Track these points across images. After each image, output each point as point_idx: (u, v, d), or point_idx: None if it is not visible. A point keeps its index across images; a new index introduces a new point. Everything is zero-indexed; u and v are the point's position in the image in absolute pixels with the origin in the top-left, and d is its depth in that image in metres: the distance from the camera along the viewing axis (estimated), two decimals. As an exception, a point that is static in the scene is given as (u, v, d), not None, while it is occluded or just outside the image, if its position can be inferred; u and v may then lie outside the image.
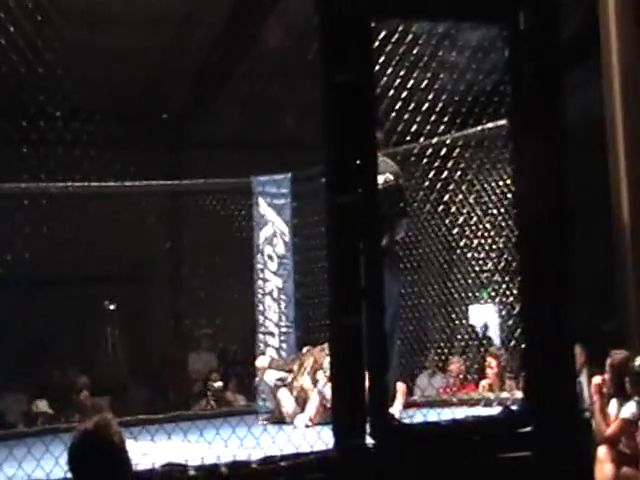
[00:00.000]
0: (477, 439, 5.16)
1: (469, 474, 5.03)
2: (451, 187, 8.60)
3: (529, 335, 5.50)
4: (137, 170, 9.07)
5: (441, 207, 8.90)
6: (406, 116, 6.31)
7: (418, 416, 6.32)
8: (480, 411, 6.72)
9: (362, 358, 5.03)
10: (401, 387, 6.97)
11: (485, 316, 11.59)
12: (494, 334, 11.36)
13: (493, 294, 8.51)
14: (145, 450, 5.36)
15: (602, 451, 6.45)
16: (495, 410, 5.97)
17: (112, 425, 3.13)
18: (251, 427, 5.96)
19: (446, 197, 8.61)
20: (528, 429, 5.25)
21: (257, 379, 7.81)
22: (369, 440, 4.90)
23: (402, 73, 6.48)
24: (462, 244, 8.59)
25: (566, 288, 5.59)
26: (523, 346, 5.51)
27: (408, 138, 6.98)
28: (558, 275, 5.58)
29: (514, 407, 5.42)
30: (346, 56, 5.31)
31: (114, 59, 10.24)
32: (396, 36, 6.37)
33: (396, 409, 6.40)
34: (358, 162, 5.24)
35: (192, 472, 4.56)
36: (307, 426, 6.96)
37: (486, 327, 11.55)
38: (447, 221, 8.90)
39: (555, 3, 5.80)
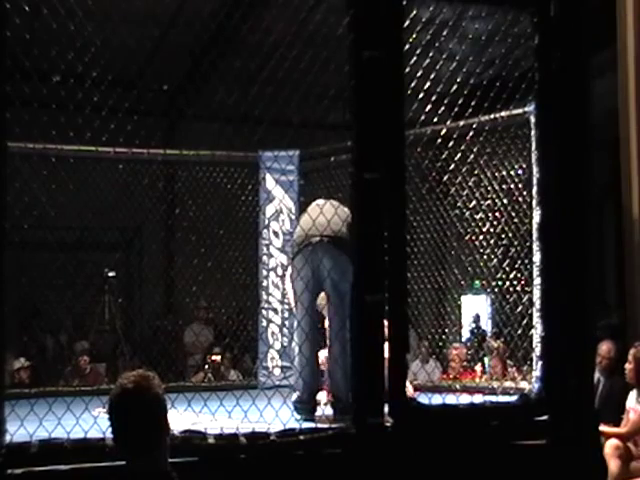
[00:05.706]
0: (494, 424, 5.15)
1: (483, 458, 5.01)
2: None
3: (549, 325, 5.48)
4: (141, 138, 8.93)
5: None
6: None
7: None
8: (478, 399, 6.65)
9: (383, 337, 5.00)
10: None
11: (477, 306, 11.60)
12: (485, 324, 11.35)
13: (494, 284, 8.45)
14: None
15: (609, 446, 6.41)
16: (510, 398, 5.94)
17: (154, 379, 3.03)
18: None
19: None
20: (544, 418, 5.26)
21: None
22: (387, 419, 4.89)
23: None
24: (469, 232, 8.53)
25: (587, 279, 5.57)
26: (542, 335, 5.48)
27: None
28: (579, 265, 5.56)
29: (532, 395, 5.38)
30: (376, 33, 5.27)
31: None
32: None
33: None
34: (385, 139, 5.20)
35: (211, 440, 4.52)
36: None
37: (478, 317, 11.54)
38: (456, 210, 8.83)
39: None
